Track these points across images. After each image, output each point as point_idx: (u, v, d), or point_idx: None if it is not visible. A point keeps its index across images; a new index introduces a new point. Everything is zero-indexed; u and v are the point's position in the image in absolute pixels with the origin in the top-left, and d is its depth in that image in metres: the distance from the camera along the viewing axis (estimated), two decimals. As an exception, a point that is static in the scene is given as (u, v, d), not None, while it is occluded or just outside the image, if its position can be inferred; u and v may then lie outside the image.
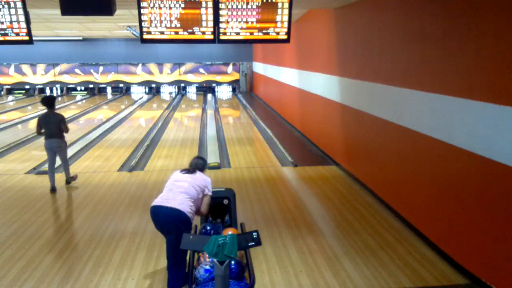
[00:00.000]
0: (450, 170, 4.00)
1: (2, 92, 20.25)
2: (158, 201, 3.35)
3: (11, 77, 20.19)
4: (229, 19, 5.00)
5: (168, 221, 3.25)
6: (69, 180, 6.51)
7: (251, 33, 5.09)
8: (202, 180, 3.53)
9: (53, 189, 6.16)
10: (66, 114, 14.27)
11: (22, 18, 4.97)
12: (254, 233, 2.73)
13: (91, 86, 20.60)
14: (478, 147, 3.56)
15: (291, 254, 4.27)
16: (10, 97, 19.64)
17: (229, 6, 4.94)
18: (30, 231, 4.84)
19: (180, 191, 3.35)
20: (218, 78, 20.78)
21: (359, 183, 6.43)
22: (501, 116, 3.28)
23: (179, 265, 3.32)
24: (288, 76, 11.71)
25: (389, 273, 3.88)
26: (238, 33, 5.08)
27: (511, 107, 3.18)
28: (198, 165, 3.67)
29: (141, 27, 4.95)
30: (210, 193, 3.55)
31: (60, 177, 6.94)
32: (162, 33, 4.99)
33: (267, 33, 5.11)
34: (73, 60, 20.13)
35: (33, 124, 12.72)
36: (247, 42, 5.25)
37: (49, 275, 3.88)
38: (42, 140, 10.00)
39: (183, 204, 3.28)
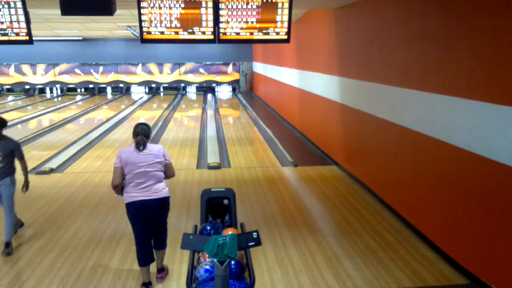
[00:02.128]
0: (450, 170, 4.00)
1: (2, 92, 20.28)
2: (138, 195, 3.46)
3: (11, 77, 20.20)
4: (229, 19, 5.00)
5: (156, 210, 3.52)
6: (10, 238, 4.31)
7: (251, 33, 5.09)
8: (158, 154, 3.55)
9: (7, 245, 4.26)
10: (66, 114, 14.32)
11: (22, 18, 4.97)
12: (254, 233, 2.73)
13: (91, 86, 20.60)
14: (478, 147, 3.56)
15: (291, 254, 4.27)
16: (10, 97, 19.65)
17: (229, 6, 4.94)
18: (30, 231, 4.83)
19: (155, 181, 3.51)
20: (218, 78, 20.78)
21: (359, 183, 6.43)
22: (501, 116, 3.28)
23: (166, 232, 3.74)
24: (288, 76, 11.71)
25: (389, 273, 3.88)
26: (238, 33, 5.07)
27: (511, 107, 3.18)
28: (143, 131, 3.55)
29: (141, 27, 4.94)
30: (170, 160, 3.67)
31: (59, 177, 6.95)
32: (162, 33, 4.99)
33: (267, 33, 5.11)
34: (73, 60, 20.14)
35: (32, 124, 12.75)
36: (247, 42, 5.25)
37: (49, 275, 3.88)
38: (42, 139, 10.12)
39: (163, 189, 3.55)
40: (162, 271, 3.80)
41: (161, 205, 3.53)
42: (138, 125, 3.59)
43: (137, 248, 3.60)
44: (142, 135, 3.51)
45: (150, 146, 3.55)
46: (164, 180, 3.62)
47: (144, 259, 3.58)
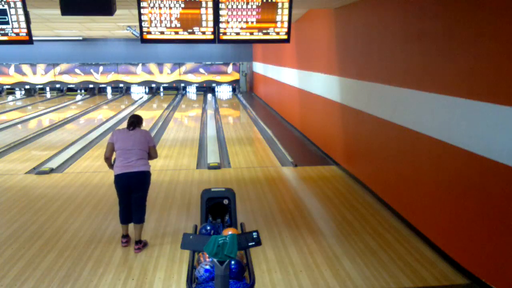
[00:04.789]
0: (450, 170, 4.00)
1: (3, 93, 20.27)
2: (123, 169, 4.19)
3: (11, 77, 20.19)
4: (229, 19, 5.00)
5: (139, 180, 4.23)
6: None
7: (251, 33, 5.09)
8: (143, 136, 4.31)
9: None
10: (66, 114, 14.32)
11: (22, 18, 4.97)
12: (254, 233, 2.72)
13: (91, 86, 20.60)
14: (478, 147, 3.56)
15: (291, 254, 4.27)
16: (10, 97, 19.66)
17: (229, 6, 4.94)
18: (30, 231, 4.83)
19: (138, 158, 4.22)
20: (218, 78, 20.78)
21: (359, 183, 6.43)
22: (501, 116, 3.28)
23: (144, 209, 4.40)
24: (288, 76, 11.71)
25: (389, 273, 3.88)
26: (238, 33, 5.07)
27: (511, 107, 3.18)
28: (135, 118, 4.39)
29: (141, 27, 4.94)
30: (153, 144, 4.43)
31: (59, 177, 6.95)
32: (162, 33, 4.99)
33: (267, 33, 5.11)
34: (73, 60, 20.13)
35: (33, 124, 12.75)
36: (247, 42, 5.25)
37: (49, 275, 3.88)
38: (42, 139, 10.11)
39: (144, 165, 4.27)
40: (140, 243, 4.36)
41: (142, 177, 4.25)
42: (130, 118, 4.41)
43: (119, 209, 4.37)
44: (133, 120, 4.34)
45: (138, 130, 4.34)
46: (147, 158, 4.34)
47: (124, 219, 4.38)
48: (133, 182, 4.23)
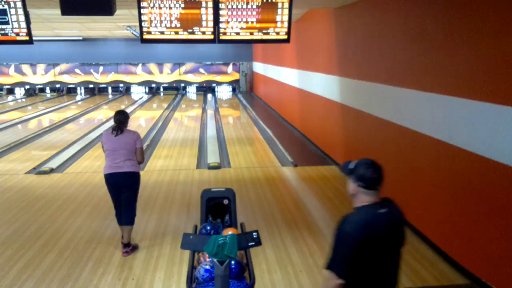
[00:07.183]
0: (450, 170, 4.00)
1: (3, 92, 20.27)
2: (111, 169, 4.21)
3: (11, 77, 20.19)
4: (229, 19, 5.00)
5: (126, 180, 4.24)
6: None
7: (251, 33, 5.08)
8: (129, 138, 4.25)
9: None
10: (66, 114, 14.33)
11: (22, 18, 4.96)
12: (254, 233, 2.73)
13: (91, 86, 20.60)
14: (478, 147, 3.56)
15: (291, 254, 4.27)
16: (10, 97, 19.66)
17: (229, 6, 4.94)
18: (30, 231, 4.84)
19: (125, 158, 4.21)
20: (218, 78, 20.78)
21: (359, 183, 6.42)
22: (501, 116, 3.28)
23: (133, 209, 4.36)
24: (288, 76, 11.71)
25: (389, 273, 3.87)
26: (238, 33, 5.07)
27: (511, 107, 3.18)
28: (119, 119, 4.27)
29: (141, 27, 4.94)
30: (140, 146, 4.35)
31: (59, 177, 6.95)
32: (162, 33, 4.98)
33: (267, 33, 5.11)
34: (73, 60, 20.12)
35: (33, 123, 12.75)
36: (247, 42, 5.25)
37: (49, 275, 3.88)
38: (42, 139, 10.11)
39: (132, 166, 4.25)
40: (128, 246, 4.30)
41: (129, 177, 4.25)
42: (116, 114, 4.30)
43: (115, 211, 4.37)
44: (118, 124, 4.25)
45: (125, 132, 4.26)
46: (135, 159, 4.29)
47: (120, 220, 4.36)
48: (122, 182, 4.24)
